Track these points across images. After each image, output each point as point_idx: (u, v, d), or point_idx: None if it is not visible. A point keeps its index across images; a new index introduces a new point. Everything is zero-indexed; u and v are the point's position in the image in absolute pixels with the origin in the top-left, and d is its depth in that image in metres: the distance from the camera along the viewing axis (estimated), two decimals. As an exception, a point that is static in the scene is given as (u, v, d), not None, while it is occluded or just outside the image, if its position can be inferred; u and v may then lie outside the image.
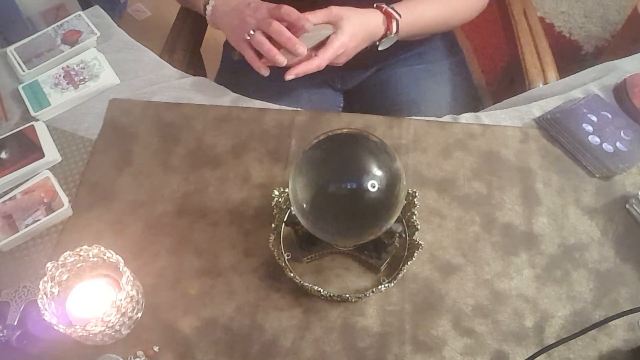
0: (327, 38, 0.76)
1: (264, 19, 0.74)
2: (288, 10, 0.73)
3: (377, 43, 0.82)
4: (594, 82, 0.86)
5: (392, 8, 0.80)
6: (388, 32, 0.80)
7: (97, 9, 0.97)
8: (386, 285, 0.65)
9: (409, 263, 0.67)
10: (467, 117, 0.84)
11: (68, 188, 0.77)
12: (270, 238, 0.67)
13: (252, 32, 0.75)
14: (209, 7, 0.84)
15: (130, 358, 0.64)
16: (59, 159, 0.80)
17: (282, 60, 0.74)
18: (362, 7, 0.79)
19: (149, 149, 0.81)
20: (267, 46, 0.74)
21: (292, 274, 0.65)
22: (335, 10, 0.76)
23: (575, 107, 0.81)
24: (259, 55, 0.77)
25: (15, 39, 0.92)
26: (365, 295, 0.65)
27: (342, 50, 0.76)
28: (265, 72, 0.77)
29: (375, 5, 0.80)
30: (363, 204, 0.58)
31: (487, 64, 1.73)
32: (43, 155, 0.78)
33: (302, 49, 0.73)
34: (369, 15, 0.79)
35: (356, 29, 0.77)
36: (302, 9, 0.75)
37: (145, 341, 0.65)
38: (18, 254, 0.72)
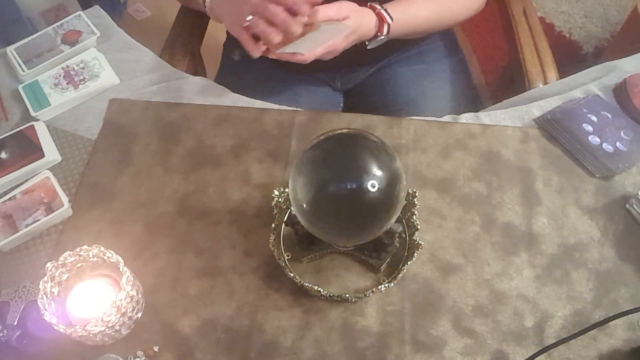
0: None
1: (260, 2, 0.72)
2: None
3: (367, 43, 0.82)
4: (594, 82, 0.86)
5: (385, 10, 0.79)
6: (379, 34, 0.80)
7: (97, 9, 0.97)
8: (386, 285, 0.65)
9: (409, 263, 0.67)
10: (467, 117, 0.84)
11: (68, 188, 0.77)
12: (270, 238, 0.67)
13: (249, 17, 0.73)
14: (207, 0, 0.84)
15: (130, 358, 0.64)
16: (59, 159, 0.80)
17: (275, 37, 0.72)
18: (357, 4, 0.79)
19: (149, 149, 0.81)
20: (261, 26, 0.72)
21: (292, 274, 0.65)
22: (344, 10, 0.74)
23: (575, 107, 0.81)
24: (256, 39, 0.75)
25: (15, 39, 0.92)
26: (365, 295, 0.65)
27: (332, 49, 0.76)
28: (256, 54, 0.75)
29: (368, 4, 0.80)
30: (363, 204, 0.58)
31: (487, 64, 1.73)
32: (43, 155, 0.78)
33: (297, 28, 0.70)
34: (365, 17, 0.78)
35: (351, 30, 0.76)
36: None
37: (145, 341, 0.65)
38: (18, 254, 0.72)
